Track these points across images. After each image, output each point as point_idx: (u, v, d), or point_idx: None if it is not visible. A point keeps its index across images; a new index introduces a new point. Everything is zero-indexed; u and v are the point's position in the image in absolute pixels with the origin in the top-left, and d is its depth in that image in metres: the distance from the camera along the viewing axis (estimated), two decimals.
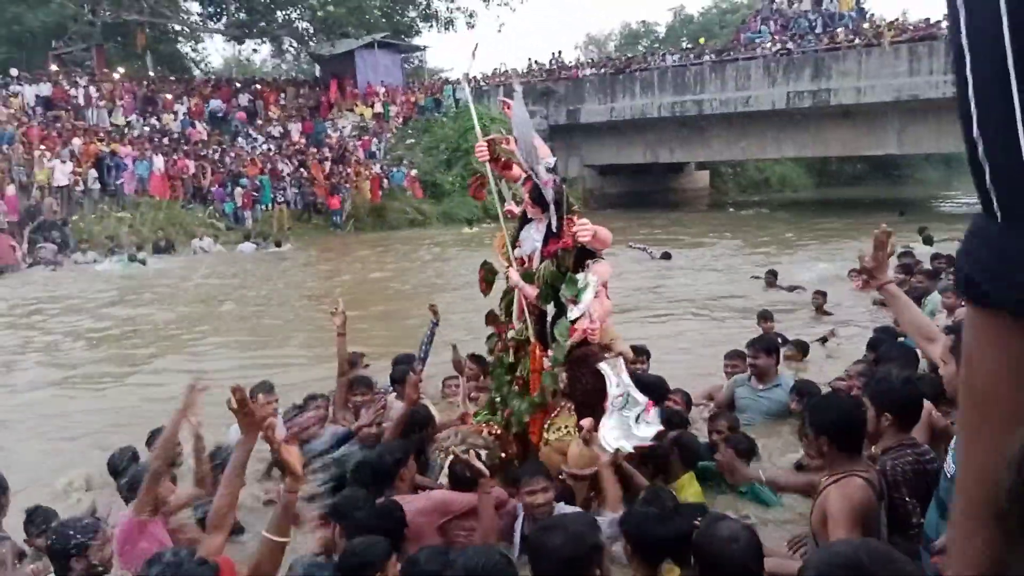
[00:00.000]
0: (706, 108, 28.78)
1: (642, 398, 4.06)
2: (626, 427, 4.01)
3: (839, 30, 28.01)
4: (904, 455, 3.24)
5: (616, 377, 4.11)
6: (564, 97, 32.22)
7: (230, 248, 21.36)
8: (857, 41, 26.20)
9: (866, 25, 27.69)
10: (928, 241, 14.17)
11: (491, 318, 5.01)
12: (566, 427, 4.41)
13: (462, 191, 24.95)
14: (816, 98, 26.29)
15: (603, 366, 4.20)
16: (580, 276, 4.40)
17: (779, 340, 7.03)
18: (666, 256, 16.41)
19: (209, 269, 17.67)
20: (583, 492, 4.15)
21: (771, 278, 12.26)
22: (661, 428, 4.11)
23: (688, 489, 4.21)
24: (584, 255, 4.51)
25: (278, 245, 21.49)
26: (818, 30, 29.02)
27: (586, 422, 4.11)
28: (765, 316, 8.39)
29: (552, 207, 4.57)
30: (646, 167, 33.32)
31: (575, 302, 4.34)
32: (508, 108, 5.13)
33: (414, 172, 27.86)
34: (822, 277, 12.39)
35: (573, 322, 4.35)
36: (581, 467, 4.13)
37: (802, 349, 7.57)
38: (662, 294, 12.78)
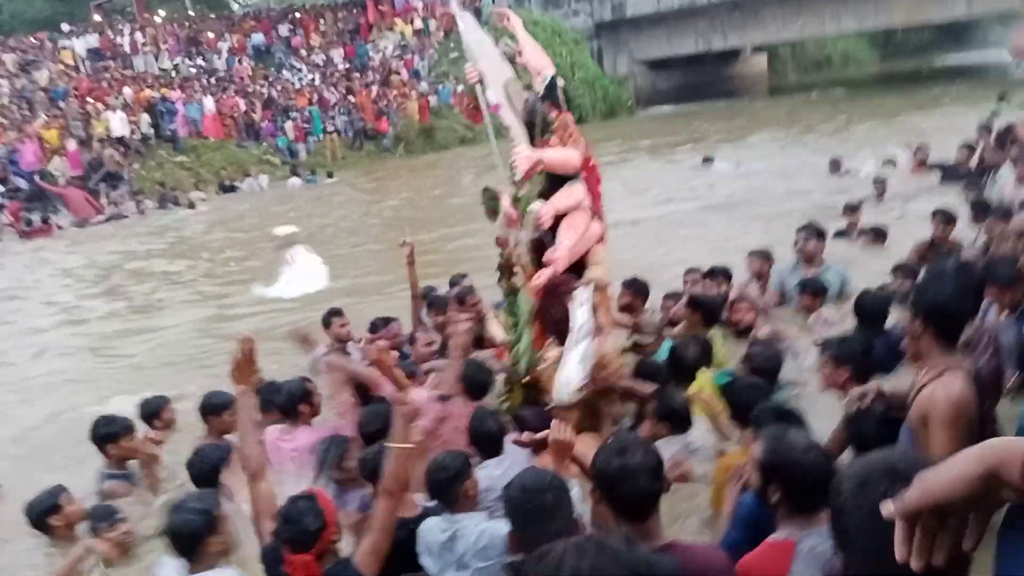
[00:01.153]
0: None
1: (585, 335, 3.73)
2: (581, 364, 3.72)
3: None
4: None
5: (579, 308, 3.79)
6: None
7: (279, 184, 21.51)
8: None
9: None
10: (1003, 97, 12.99)
11: (501, 241, 4.66)
12: (549, 359, 4.11)
13: None
14: None
15: (576, 294, 3.86)
16: (531, 207, 4.13)
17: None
18: (707, 160, 15.03)
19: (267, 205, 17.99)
20: (573, 421, 3.71)
21: (834, 167, 11.82)
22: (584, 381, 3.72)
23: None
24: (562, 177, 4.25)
25: (330, 176, 21.61)
26: None
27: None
28: (852, 208, 8.06)
29: (519, 128, 4.31)
30: (699, 57, 32.02)
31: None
32: (507, 21, 4.85)
33: (460, 88, 27.42)
34: (883, 160, 11.82)
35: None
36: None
37: (880, 235, 7.42)
38: (715, 196, 12.34)
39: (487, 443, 3.55)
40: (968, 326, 2.96)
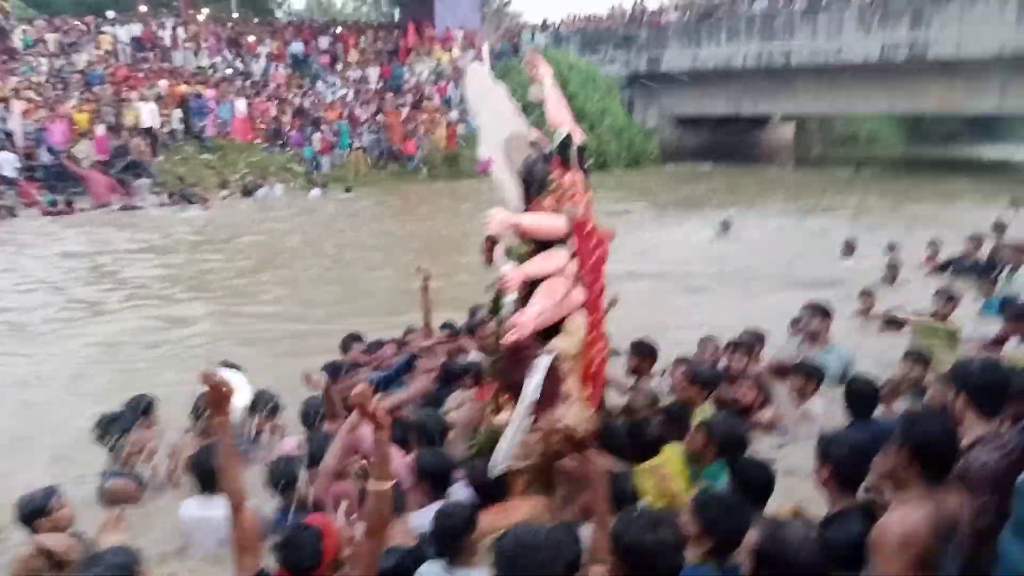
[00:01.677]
0: (794, 59, 27.61)
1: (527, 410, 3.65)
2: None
3: None
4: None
5: (532, 379, 3.67)
6: (645, 44, 31.34)
7: (301, 194, 21.60)
8: None
9: None
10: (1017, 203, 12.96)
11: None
12: (498, 421, 4.10)
13: None
14: (912, 50, 24.89)
15: (536, 362, 3.75)
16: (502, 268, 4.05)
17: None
18: (725, 225, 14.49)
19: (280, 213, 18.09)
20: (518, 487, 3.76)
21: (848, 250, 11.80)
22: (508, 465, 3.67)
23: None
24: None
25: (347, 191, 21.79)
26: None
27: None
28: (867, 292, 8.15)
29: (512, 186, 4.29)
30: (728, 119, 32.32)
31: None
32: (535, 70, 4.72)
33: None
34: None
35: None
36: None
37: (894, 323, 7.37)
38: (728, 266, 12.18)
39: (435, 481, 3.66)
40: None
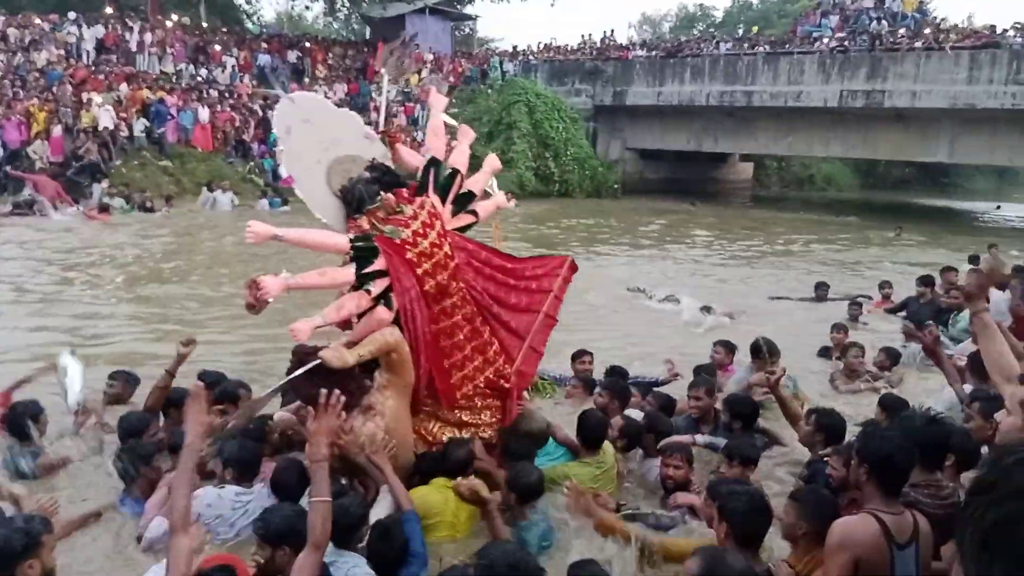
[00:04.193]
0: (755, 100, 28.26)
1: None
2: None
3: (900, 30, 27.24)
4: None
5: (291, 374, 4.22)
6: (612, 77, 31.80)
7: (248, 205, 20.89)
8: (918, 44, 25.46)
9: (927, 31, 26.78)
10: (974, 261, 13.43)
11: None
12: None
13: (502, 164, 24.74)
14: (869, 99, 25.66)
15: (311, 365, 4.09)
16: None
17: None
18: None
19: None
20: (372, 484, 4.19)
21: (822, 292, 11.76)
22: None
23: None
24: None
25: (284, 203, 20.47)
26: (878, 29, 28.19)
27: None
28: (838, 328, 8.43)
29: (315, 203, 4.69)
30: (689, 154, 32.89)
31: None
32: (427, 98, 5.51)
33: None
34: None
35: None
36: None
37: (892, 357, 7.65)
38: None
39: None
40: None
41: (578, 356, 6.74)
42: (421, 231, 4.52)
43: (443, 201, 4.88)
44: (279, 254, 9.06)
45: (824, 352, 8.43)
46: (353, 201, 4.59)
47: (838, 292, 11.88)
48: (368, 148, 5.02)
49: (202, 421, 3.02)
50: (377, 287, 4.34)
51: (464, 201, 5.04)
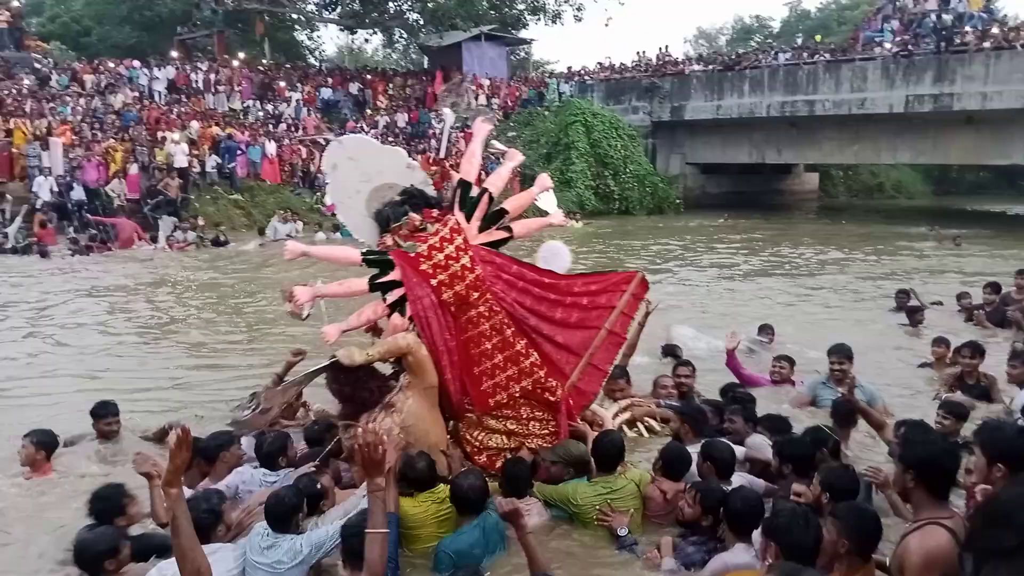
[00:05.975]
0: (818, 109, 27.78)
1: None
2: None
3: (967, 30, 26.45)
4: None
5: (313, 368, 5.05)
6: (669, 93, 31.67)
7: (308, 235, 20.91)
8: (986, 44, 24.68)
9: (995, 30, 25.92)
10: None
11: None
12: None
13: (560, 185, 24.85)
14: (937, 103, 24.97)
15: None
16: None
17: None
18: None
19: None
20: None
21: (903, 298, 11.15)
22: None
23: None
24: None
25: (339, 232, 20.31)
26: (943, 24, 27.36)
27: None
28: (939, 342, 7.92)
29: (357, 226, 5.43)
30: (752, 167, 32.46)
31: None
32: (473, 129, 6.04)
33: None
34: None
35: None
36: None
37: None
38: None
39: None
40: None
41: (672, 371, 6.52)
42: (438, 245, 4.93)
43: (468, 218, 5.20)
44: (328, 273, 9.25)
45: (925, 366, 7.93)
46: (382, 221, 5.14)
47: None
48: (408, 176, 5.43)
49: (178, 466, 2.94)
50: (392, 296, 4.91)
51: (494, 219, 5.32)
